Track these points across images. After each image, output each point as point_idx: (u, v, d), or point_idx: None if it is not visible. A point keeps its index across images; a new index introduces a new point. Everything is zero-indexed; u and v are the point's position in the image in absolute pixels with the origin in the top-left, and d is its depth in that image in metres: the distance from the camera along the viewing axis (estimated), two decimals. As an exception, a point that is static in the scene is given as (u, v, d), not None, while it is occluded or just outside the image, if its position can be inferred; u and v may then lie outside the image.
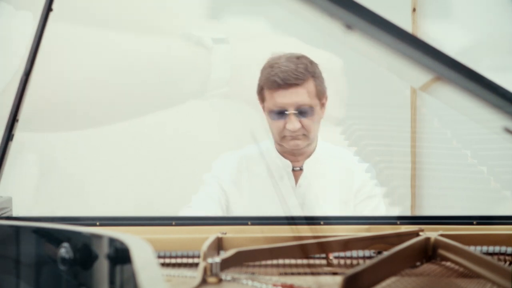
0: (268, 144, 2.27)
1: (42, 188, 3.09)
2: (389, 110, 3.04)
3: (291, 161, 2.25)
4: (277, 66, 2.16)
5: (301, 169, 2.25)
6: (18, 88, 1.85)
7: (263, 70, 2.20)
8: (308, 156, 2.25)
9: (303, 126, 2.16)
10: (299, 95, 2.14)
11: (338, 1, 1.29)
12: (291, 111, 2.14)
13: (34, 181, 3.09)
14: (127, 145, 3.10)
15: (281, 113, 2.15)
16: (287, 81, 2.13)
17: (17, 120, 1.85)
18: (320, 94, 2.19)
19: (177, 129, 3.11)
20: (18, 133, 1.86)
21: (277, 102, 2.16)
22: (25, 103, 1.85)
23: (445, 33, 3.10)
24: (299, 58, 2.18)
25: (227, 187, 2.25)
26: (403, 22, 2.95)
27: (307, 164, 2.24)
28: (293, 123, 2.14)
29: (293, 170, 2.25)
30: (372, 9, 1.29)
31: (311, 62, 2.19)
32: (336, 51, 3.06)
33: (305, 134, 2.17)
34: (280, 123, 2.16)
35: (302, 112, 2.15)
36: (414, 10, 3.00)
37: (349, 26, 1.30)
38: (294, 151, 2.22)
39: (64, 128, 3.00)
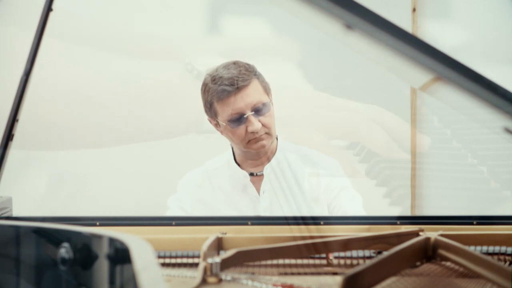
0: (228, 156, 2.28)
1: (43, 188, 3.09)
2: (389, 110, 3.04)
3: (253, 167, 2.25)
4: (219, 76, 2.16)
5: (262, 174, 2.25)
6: (18, 88, 1.85)
7: (206, 87, 2.18)
8: (268, 159, 2.25)
9: (263, 125, 2.17)
10: (251, 96, 2.15)
11: (338, 1, 1.29)
12: (249, 113, 2.15)
13: (35, 181, 3.09)
14: (127, 145, 3.10)
15: (239, 119, 2.16)
16: (235, 85, 2.14)
17: (17, 120, 1.85)
18: (267, 90, 2.20)
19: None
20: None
21: (233, 109, 2.16)
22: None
23: (445, 33, 3.10)
24: (235, 63, 2.20)
25: (189, 206, 2.26)
26: (403, 22, 2.96)
27: (267, 169, 2.24)
28: (254, 124, 2.15)
29: (256, 175, 2.25)
30: (372, 9, 1.29)
31: (248, 64, 2.21)
32: (336, 51, 3.06)
33: (267, 132, 2.18)
34: (241, 129, 2.16)
35: (258, 110, 2.16)
36: (414, 10, 3.00)
37: (349, 26, 1.31)
38: (260, 153, 2.21)
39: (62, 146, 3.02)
